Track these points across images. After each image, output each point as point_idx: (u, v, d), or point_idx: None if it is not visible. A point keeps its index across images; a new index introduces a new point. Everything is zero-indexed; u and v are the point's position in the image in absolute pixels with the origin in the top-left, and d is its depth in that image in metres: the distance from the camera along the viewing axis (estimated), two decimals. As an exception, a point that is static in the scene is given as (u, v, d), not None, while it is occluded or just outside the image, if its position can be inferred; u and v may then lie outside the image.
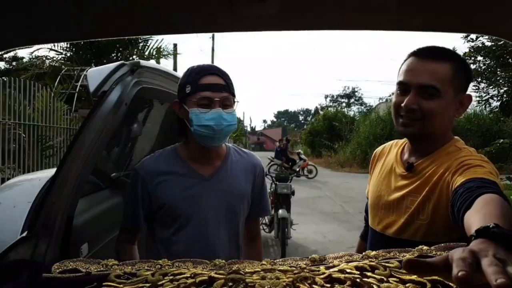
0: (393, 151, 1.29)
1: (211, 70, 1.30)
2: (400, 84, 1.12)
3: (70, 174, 1.33)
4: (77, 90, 8.61)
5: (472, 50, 7.98)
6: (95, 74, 1.47)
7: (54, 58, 10.55)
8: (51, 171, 1.63)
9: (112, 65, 1.52)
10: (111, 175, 2.36)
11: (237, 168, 1.42)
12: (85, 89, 8.10)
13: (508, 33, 1.07)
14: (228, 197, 1.37)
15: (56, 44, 9.88)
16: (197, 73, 1.29)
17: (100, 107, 1.43)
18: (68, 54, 10.52)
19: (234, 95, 1.34)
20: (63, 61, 10.29)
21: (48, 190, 1.32)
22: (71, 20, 0.97)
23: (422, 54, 1.10)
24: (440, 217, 1.05)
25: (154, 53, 10.74)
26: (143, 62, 1.64)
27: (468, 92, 1.15)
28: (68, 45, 10.23)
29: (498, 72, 7.86)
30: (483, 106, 8.82)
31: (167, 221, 1.35)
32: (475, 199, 0.82)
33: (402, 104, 1.09)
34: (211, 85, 1.27)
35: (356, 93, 44.84)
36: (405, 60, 1.14)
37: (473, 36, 7.68)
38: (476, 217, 0.75)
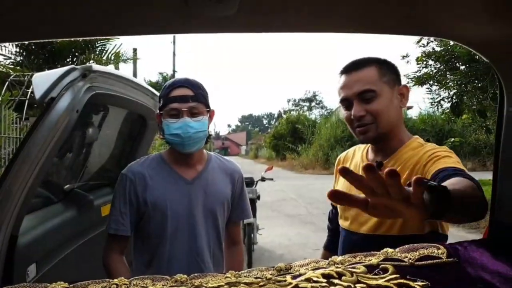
0: (357, 154, 1.36)
1: (179, 83, 1.43)
2: (342, 101, 1.23)
3: (13, 188, 1.22)
4: (28, 97, 8.13)
5: (423, 54, 8.36)
6: (41, 79, 1.38)
7: (2, 63, 9.92)
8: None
9: (61, 70, 1.43)
10: (64, 187, 2.22)
11: (217, 173, 1.54)
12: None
13: (457, 35, 1.10)
14: (209, 198, 1.48)
15: (3, 47, 9.30)
16: (168, 87, 1.43)
17: (48, 114, 1.34)
18: (18, 59, 9.93)
19: (205, 104, 1.45)
20: (12, 66, 9.70)
21: (-12, 206, 1.20)
22: (21, 19, 0.88)
23: (348, 69, 1.23)
24: None
25: (113, 58, 10.39)
26: (95, 67, 1.56)
27: (403, 83, 1.26)
28: (18, 49, 9.66)
29: (448, 75, 8.29)
30: (436, 108, 9.23)
31: (153, 223, 1.43)
32: (448, 178, 0.91)
33: (351, 116, 1.19)
34: (179, 97, 1.40)
35: (317, 97, 45.93)
36: (339, 80, 1.25)
37: (424, 41, 8.06)
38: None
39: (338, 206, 1.36)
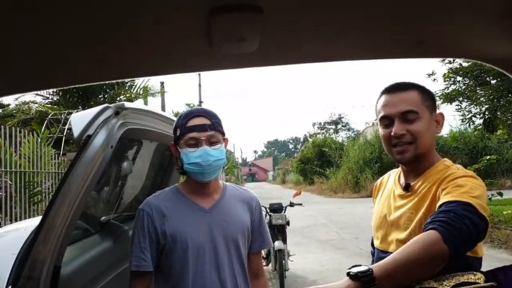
0: (391, 178, 1.40)
1: (197, 112, 1.45)
2: (383, 118, 1.26)
3: (56, 221, 1.29)
4: (64, 133, 8.56)
5: (450, 71, 8.22)
6: (79, 119, 1.47)
7: (41, 103, 10.55)
8: (38, 220, 1.59)
9: (96, 109, 1.52)
10: (101, 218, 2.31)
11: (234, 201, 1.52)
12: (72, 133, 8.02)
13: (482, 56, 1.11)
14: (230, 227, 1.46)
15: (42, 89, 9.90)
16: (184, 117, 1.44)
17: (85, 150, 1.42)
18: (55, 98, 10.53)
19: (221, 132, 1.46)
20: (49, 106, 10.29)
21: (33, 239, 1.28)
22: (53, 68, 0.98)
23: (392, 90, 1.27)
24: None
25: (141, 92, 10.83)
26: (127, 104, 1.65)
27: (439, 111, 1.31)
28: (55, 89, 10.26)
29: (478, 91, 8.07)
30: (467, 124, 8.94)
31: (174, 255, 1.40)
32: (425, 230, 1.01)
33: (392, 133, 1.22)
34: (197, 126, 1.41)
35: (342, 119, 45.46)
36: (378, 99, 1.30)
37: (450, 59, 7.94)
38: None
39: (372, 226, 1.38)
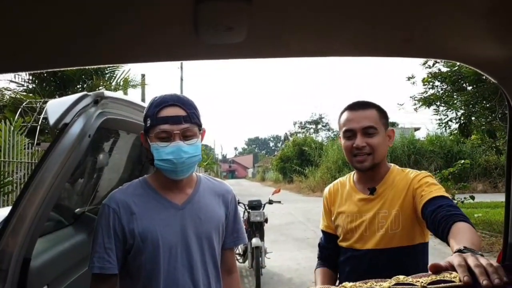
0: (345, 184, 1.58)
1: (171, 101, 1.27)
2: (346, 131, 1.47)
3: (28, 212, 1.24)
4: (39, 123, 8.29)
5: (430, 75, 8.40)
6: (55, 106, 1.41)
7: (15, 90, 10.17)
8: (7, 210, 1.52)
9: (73, 97, 1.47)
10: (75, 210, 2.24)
11: (209, 195, 1.40)
12: (47, 122, 7.76)
13: (466, 58, 1.12)
14: (204, 224, 1.34)
15: (17, 75, 9.54)
16: (156, 105, 1.27)
17: (61, 139, 1.37)
18: (30, 86, 10.17)
19: (198, 125, 1.31)
20: (24, 93, 9.93)
21: (2, 230, 1.22)
22: (36, 49, 0.93)
23: (354, 107, 1.48)
24: (409, 224, 1.40)
25: (122, 83, 10.60)
26: (107, 93, 1.60)
27: (391, 127, 1.55)
28: (30, 77, 9.91)
29: (455, 96, 8.29)
30: (444, 129, 9.18)
31: (144, 256, 1.28)
32: (455, 221, 1.18)
33: (354, 145, 1.43)
34: (170, 117, 1.25)
35: (323, 119, 45.95)
36: (342, 114, 1.51)
37: (430, 62, 8.12)
38: (457, 240, 1.07)
39: (340, 231, 1.54)
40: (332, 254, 1.59)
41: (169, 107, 1.26)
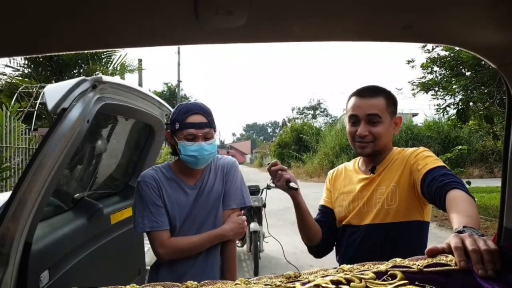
0: (349, 168, 1.62)
1: (195, 110, 1.62)
2: (351, 116, 1.48)
3: (28, 197, 1.24)
4: (36, 108, 8.23)
5: (429, 60, 8.35)
6: (53, 91, 1.40)
7: (11, 75, 10.06)
8: (7, 195, 1.53)
9: (72, 81, 1.46)
10: (74, 195, 2.25)
11: (213, 173, 1.73)
12: (45, 107, 7.70)
13: (467, 44, 1.12)
14: (209, 198, 1.68)
15: (12, 60, 9.42)
16: (184, 112, 1.61)
17: (60, 124, 1.36)
18: (26, 71, 10.06)
19: (214, 129, 1.67)
20: (20, 78, 9.82)
21: (2, 215, 1.22)
22: (32, 33, 0.91)
23: (362, 93, 1.48)
24: (405, 199, 1.41)
25: (119, 68, 10.50)
26: (105, 78, 1.58)
27: (399, 114, 1.54)
28: (26, 62, 9.78)
29: (453, 81, 8.26)
30: (442, 114, 9.17)
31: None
32: (448, 190, 1.21)
33: (357, 133, 1.45)
34: (196, 124, 1.60)
35: (321, 105, 45.80)
36: (349, 99, 1.50)
37: (429, 47, 8.06)
38: (455, 215, 1.09)
39: (340, 211, 1.57)
40: (326, 230, 1.60)
41: (194, 114, 1.61)
